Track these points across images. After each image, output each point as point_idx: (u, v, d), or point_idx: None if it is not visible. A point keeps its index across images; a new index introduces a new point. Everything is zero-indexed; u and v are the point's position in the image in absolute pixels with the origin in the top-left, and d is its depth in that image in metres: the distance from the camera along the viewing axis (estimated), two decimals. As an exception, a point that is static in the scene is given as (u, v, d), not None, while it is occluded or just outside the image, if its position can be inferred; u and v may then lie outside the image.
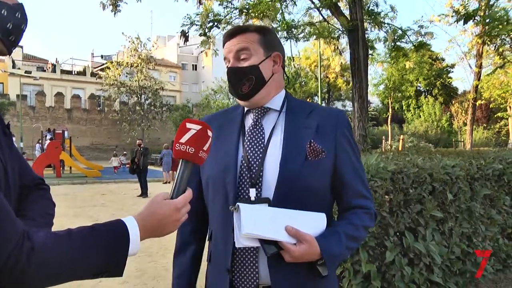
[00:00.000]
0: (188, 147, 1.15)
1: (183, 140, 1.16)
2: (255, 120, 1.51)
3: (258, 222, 1.28)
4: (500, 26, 10.06)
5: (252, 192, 1.38)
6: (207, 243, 1.59)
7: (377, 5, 11.06)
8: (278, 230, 1.30)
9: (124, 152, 30.20)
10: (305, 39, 11.95)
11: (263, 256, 1.35)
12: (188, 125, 1.18)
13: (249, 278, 1.38)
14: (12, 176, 1.04)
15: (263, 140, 1.45)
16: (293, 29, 11.25)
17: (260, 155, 1.42)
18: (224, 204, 1.41)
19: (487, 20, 10.28)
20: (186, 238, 1.61)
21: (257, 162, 1.42)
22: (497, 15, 9.92)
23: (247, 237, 1.28)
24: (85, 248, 0.95)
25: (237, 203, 1.32)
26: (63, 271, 0.92)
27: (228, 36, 1.50)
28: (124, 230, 1.01)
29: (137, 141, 15.78)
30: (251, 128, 1.49)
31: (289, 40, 11.24)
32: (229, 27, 9.76)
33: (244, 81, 1.45)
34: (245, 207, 1.31)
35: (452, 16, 11.68)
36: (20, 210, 1.09)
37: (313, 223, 1.36)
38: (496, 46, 13.92)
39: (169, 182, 18.02)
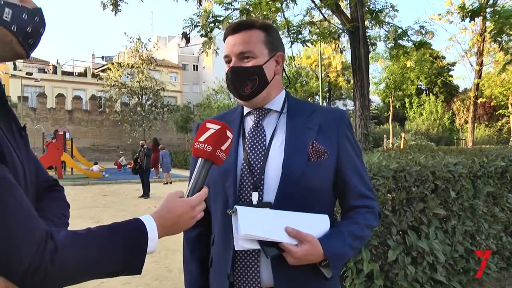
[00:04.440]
0: (206, 145, 1.18)
1: (202, 138, 1.19)
2: (256, 121, 1.47)
3: (256, 223, 1.26)
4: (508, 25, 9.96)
5: (255, 196, 1.36)
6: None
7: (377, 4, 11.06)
8: (278, 231, 1.27)
9: (120, 152, 30.18)
10: (310, 42, 11.91)
11: (264, 259, 1.33)
12: (208, 124, 1.21)
13: (250, 282, 1.36)
14: (29, 177, 1.06)
15: (264, 143, 1.42)
16: (298, 34, 11.24)
17: (262, 158, 1.40)
18: (224, 208, 1.39)
19: (490, 16, 10.14)
20: (192, 244, 1.60)
21: (258, 165, 1.39)
22: (508, 12, 9.77)
23: (246, 239, 1.26)
24: (105, 247, 0.96)
25: (235, 206, 1.30)
26: (83, 270, 0.94)
27: (233, 30, 1.43)
28: (143, 228, 1.03)
29: (141, 142, 15.80)
30: (252, 130, 1.46)
31: (293, 44, 11.24)
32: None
33: (247, 81, 1.40)
34: (242, 209, 1.29)
35: (458, 13, 11.59)
36: (37, 211, 1.10)
37: (316, 224, 1.34)
38: (502, 42, 13.86)
39: (171, 183, 18.11)
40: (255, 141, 1.44)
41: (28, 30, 1.03)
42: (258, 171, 1.38)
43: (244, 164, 1.40)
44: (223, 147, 1.19)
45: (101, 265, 0.96)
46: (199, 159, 1.19)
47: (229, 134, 1.21)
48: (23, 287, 0.88)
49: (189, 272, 1.59)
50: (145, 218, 1.06)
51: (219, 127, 1.19)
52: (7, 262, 0.85)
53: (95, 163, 23.93)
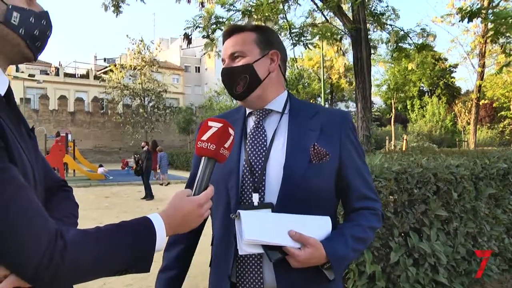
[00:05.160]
0: (209, 144, 1.18)
1: (204, 137, 1.19)
2: (256, 122, 1.48)
3: (260, 228, 1.27)
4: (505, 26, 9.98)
5: (255, 197, 1.36)
6: (209, 248, 1.57)
7: (380, 3, 11.07)
8: (282, 235, 1.28)
9: (135, 155, 30.32)
10: (310, 42, 11.93)
11: (267, 261, 1.33)
12: (210, 123, 1.22)
13: (253, 284, 1.36)
14: (38, 178, 1.07)
15: (265, 143, 1.43)
16: (300, 36, 11.27)
17: (263, 159, 1.40)
18: (226, 210, 1.40)
19: (491, 17, 10.15)
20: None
21: (259, 166, 1.39)
22: (504, 14, 9.80)
23: (250, 244, 1.26)
24: (114, 245, 0.98)
25: (238, 210, 1.30)
26: (93, 268, 0.95)
27: (226, 35, 1.49)
28: (151, 227, 1.04)
29: (142, 144, 15.80)
30: (252, 130, 1.47)
31: (296, 45, 11.27)
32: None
33: (238, 80, 1.43)
34: (246, 213, 1.29)
35: (456, 14, 11.59)
36: (46, 211, 1.12)
37: (318, 227, 1.34)
38: (503, 44, 13.86)
39: (162, 184, 18.27)
40: (255, 141, 1.44)
41: (36, 33, 1.05)
42: (259, 172, 1.38)
43: (245, 165, 1.41)
44: (226, 145, 1.20)
45: (110, 263, 0.97)
46: (203, 158, 1.20)
47: (231, 131, 1.22)
48: (34, 285, 0.89)
49: (165, 259, 1.58)
50: (153, 217, 1.07)
51: (221, 125, 1.20)
52: (18, 260, 0.86)
53: (100, 165, 23.93)
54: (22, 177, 0.92)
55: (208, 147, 1.18)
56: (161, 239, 1.05)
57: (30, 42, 1.04)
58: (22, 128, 1.09)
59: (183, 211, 1.12)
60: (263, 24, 10.02)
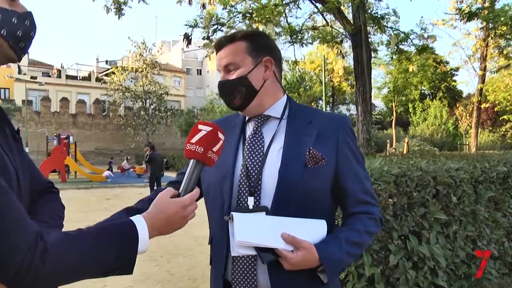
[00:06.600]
0: (197, 147, 1.20)
1: (193, 140, 1.21)
2: (255, 128, 1.50)
3: (252, 230, 1.28)
4: (504, 26, 10.05)
5: (250, 201, 1.38)
6: (209, 247, 1.60)
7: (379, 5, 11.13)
8: (275, 238, 1.29)
9: (127, 157, 30.37)
10: (308, 42, 11.97)
11: (261, 263, 1.34)
12: (200, 126, 1.24)
13: (248, 285, 1.38)
14: (23, 180, 1.07)
15: (262, 148, 1.44)
16: (298, 35, 11.29)
17: (259, 163, 1.41)
18: (221, 212, 1.41)
19: (490, 15, 10.19)
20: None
21: (255, 171, 1.41)
22: (501, 11, 9.87)
23: (242, 245, 1.28)
24: (96, 247, 0.97)
25: (231, 213, 1.32)
26: (75, 270, 0.95)
27: (217, 48, 1.49)
28: (133, 229, 1.04)
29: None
30: (251, 136, 1.49)
31: (294, 44, 11.28)
32: (232, 31, 9.76)
33: (234, 93, 1.44)
34: (239, 215, 1.31)
35: (456, 15, 11.64)
36: (31, 213, 1.12)
37: (312, 230, 1.35)
38: (501, 48, 13.94)
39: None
40: (253, 147, 1.46)
41: (19, 34, 1.05)
42: (255, 176, 1.40)
43: (242, 169, 1.42)
44: (215, 149, 1.22)
45: (92, 265, 0.97)
46: (191, 160, 1.22)
47: (220, 135, 1.24)
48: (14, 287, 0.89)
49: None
50: (136, 219, 1.07)
51: (211, 128, 1.22)
52: None
53: (108, 169, 23.98)
54: (4, 180, 0.91)
55: (196, 150, 1.20)
56: (144, 242, 1.05)
57: (13, 42, 1.04)
58: (6, 129, 1.09)
59: (167, 212, 1.12)
60: (264, 27, 10.05)
